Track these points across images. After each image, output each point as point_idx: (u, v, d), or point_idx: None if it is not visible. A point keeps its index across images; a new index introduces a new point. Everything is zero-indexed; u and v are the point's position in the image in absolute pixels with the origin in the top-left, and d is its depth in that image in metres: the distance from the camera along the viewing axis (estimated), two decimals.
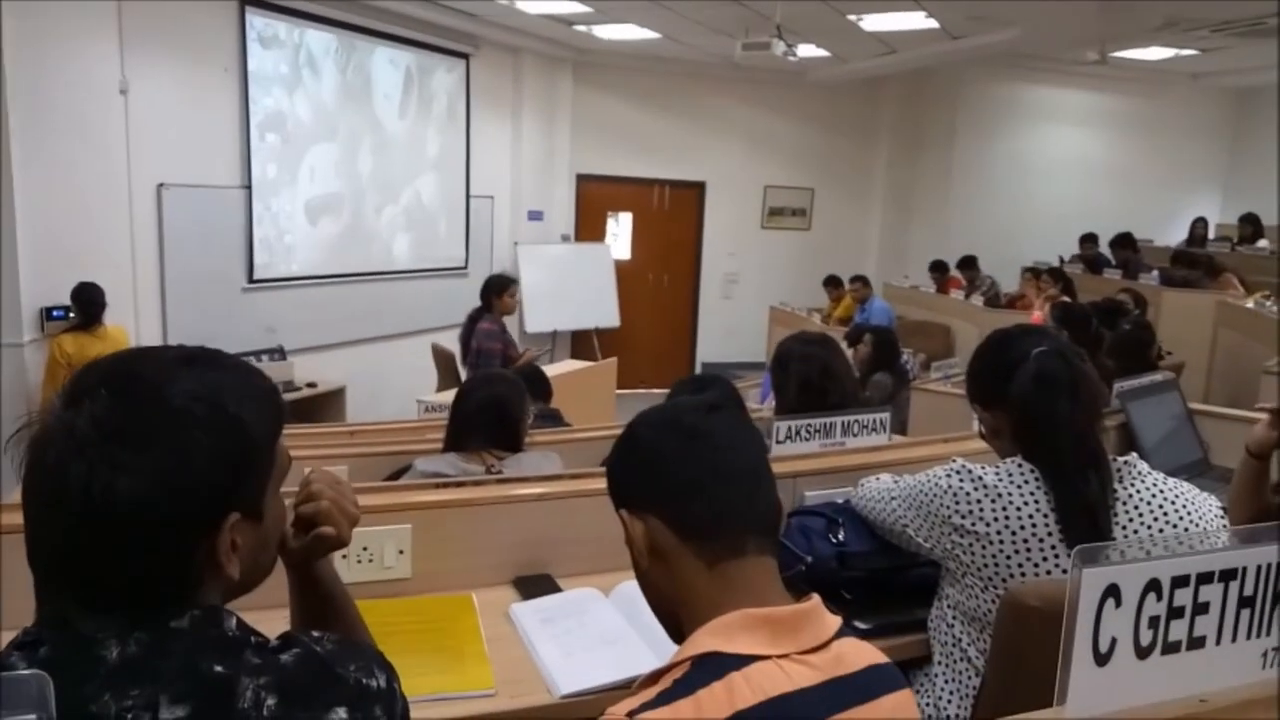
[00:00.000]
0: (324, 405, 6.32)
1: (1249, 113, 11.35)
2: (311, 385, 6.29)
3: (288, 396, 5.64)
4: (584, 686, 1.52)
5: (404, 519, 1.85)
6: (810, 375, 2.60)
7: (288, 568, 1.06)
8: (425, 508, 1.90)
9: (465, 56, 8.37)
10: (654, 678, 0.95)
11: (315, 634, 0.89)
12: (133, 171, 5.62)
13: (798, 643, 0.95)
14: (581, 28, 8.25)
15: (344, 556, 1.80)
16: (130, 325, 5.54)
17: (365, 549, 1.82)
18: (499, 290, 5.44)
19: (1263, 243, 8.62)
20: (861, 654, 0.98)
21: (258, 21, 6.37)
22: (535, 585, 1.92)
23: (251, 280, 6.52)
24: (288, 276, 6.86)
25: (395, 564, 1.85)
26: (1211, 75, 10.47)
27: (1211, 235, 9.43)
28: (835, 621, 0.99)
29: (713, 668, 0.91)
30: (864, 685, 0.95)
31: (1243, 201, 10.18)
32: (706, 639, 0.94)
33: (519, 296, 5.68)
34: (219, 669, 0.79)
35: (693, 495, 1.01)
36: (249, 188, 6.43)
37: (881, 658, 1.00)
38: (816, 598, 1.00)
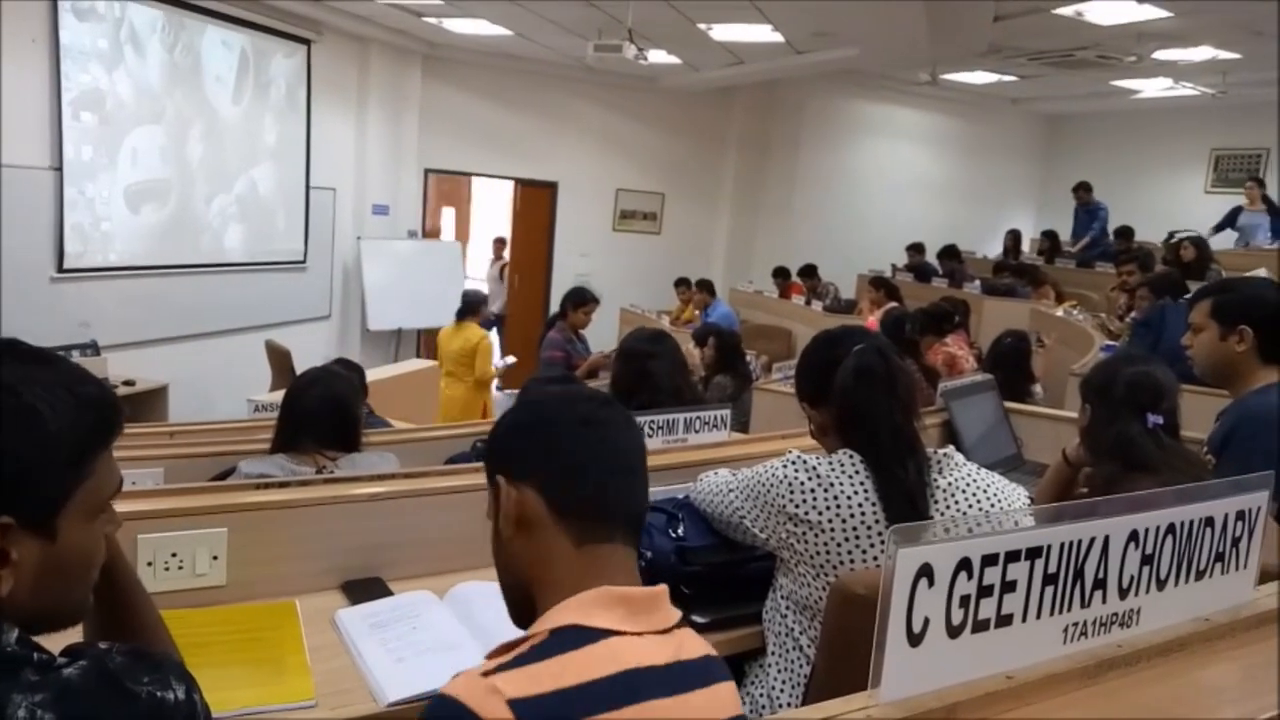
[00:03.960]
0: (143, 404, 5.88)
1: (1059, 136, 12.37)
2: (129, 383, 5.83)
3: None
4: (412, 693, 1.44)
5: (218, 522, 1.72)
6: (618, 377, 2.61)
7: None
8: (243, 510, 1.77)
9: (307, 42, 8.02)
10: (508, 647, 0.95)
11: (105, 645, 0.81)
12: None
13: (650, 623, 0.98)
14: (432, 20, 8.05)
15: (149, 564, 1.66)
16: None
17: (174, 555, 1.68)
18: (574, 303, 5.52)
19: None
20: (699, 644, 1.02)
21: None
22: (365, 589, 1.83)
23: (62, 270, 6.01)
24: (104, 267, 6.36)
25: (208, 571, 1.72)
26: (1028, 100, 11.35)
27: (1025, 249, 10.18)
28: (677, 613, 1.03)
29: (571, 638, 0.93)
30: (703, 672, 0.99)
31: (1053, 218, 11.06)
32: (564, 614, 0.96)
33: (592, 314, 5.63)
34: None
35: (577, 477, 1.04)
36: (60, 169, 5.92)
37: (713, 650, 1.04)
38: (664, 587, 1.03)
